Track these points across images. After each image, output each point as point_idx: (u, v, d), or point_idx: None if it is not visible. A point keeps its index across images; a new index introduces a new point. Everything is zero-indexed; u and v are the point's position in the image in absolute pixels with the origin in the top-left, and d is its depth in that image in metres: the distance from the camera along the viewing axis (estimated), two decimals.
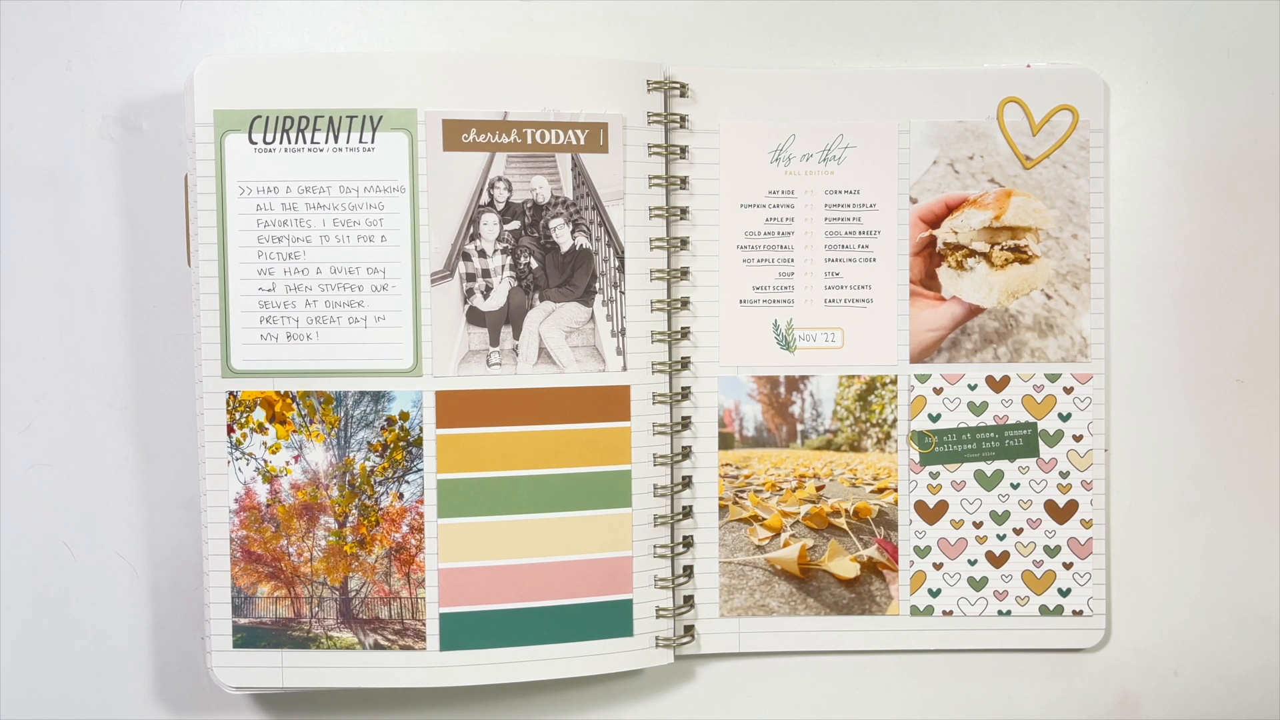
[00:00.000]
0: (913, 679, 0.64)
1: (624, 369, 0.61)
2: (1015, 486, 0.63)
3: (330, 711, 0.63)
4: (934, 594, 0.63)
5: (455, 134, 0.59)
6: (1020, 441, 0.63)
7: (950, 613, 0.63)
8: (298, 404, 0.59)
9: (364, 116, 0.59)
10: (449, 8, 0.62)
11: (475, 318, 0.60)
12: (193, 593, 0.62)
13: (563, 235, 0.60)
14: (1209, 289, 0.64)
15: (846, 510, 0.63)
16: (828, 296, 0.63)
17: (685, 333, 0.62)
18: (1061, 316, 0.63)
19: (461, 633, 0.60)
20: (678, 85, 0.61)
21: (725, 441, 0.63)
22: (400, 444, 0.60)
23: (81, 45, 0.61)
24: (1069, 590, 0.63)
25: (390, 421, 0.60)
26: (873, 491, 0.63)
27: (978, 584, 0.63)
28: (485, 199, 0.60)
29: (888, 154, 0.62)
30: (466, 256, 0.60)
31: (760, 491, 0.63)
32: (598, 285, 0.60)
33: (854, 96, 0.62)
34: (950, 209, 0.62)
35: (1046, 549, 0.63)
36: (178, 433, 0.62)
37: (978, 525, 0.63)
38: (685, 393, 0.62)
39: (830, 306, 0.63)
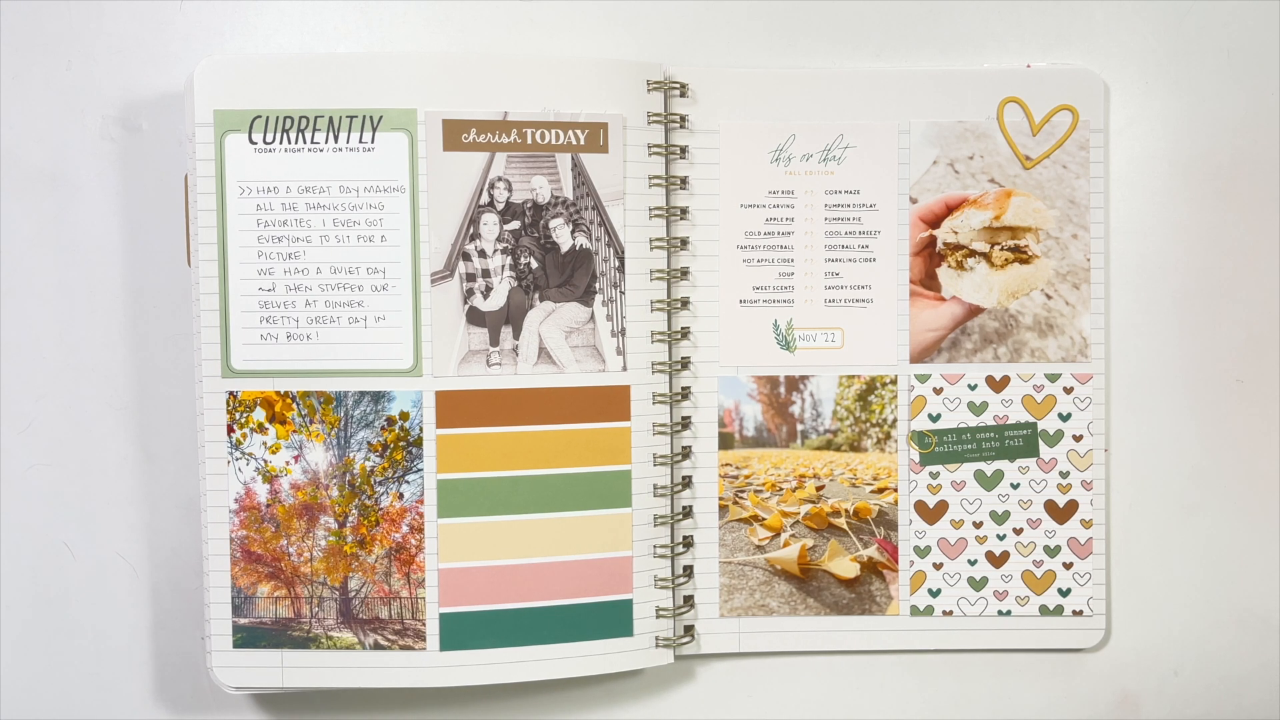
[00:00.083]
0: (913, 679, 0.64)
1: (624, 369, 0.61)
2: (1015, 486, 0.63)
3: (330, 711, 0.63)
4: (934, 594, 0.63)
5: (455, 134, 0.59)
6: (1020, 441, 0.63)
7: (950, 613, 0.63)
8: (298, 404, 0.59)
9: (364, 116, 0.59)
10: (449, 8, 0.62)
11: (475, 318, 0.60)
12: (193, 593, 0.62)
13: (563, 235, 0.60)
14: (1209, 289, 0.64)
15: (846, 510, 0.63)
16: (828, 296, 0.63)
17: (685, 333, 0.62)
18: (1061, 316, 0.63)
19: (461, 633, 0.60)
20: (678, 85, 0.61)
21: (725, 441, 0.63)
22: (400, 444, 0.60)
23: (81, 45, 0.61)
24: (1069, 590, 0.63)
25: (390, 421, 0.60)
26: (873, 491, 0.63)
27: (978, 584, 0.63)
28: (485, 199, 0.60)
29: (888, 154, 0.62)
30: (466, 256, 0.60)
31: (760, 491, 0.63)
32: (598, 285, 0.60)
33: (854, 96, 0.62)
34: (950, 209, 0.62)
35: (1046, 549, 0.63)
36: (178, 433, 0.62)
37: (978, 525, 0.63)
38: (685, 393, 0.62)
39: (830, 306, 0.63)
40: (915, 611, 0.63)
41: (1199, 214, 0.64)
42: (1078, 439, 0.63)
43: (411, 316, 0.59)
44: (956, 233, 0.62)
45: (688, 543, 0.63)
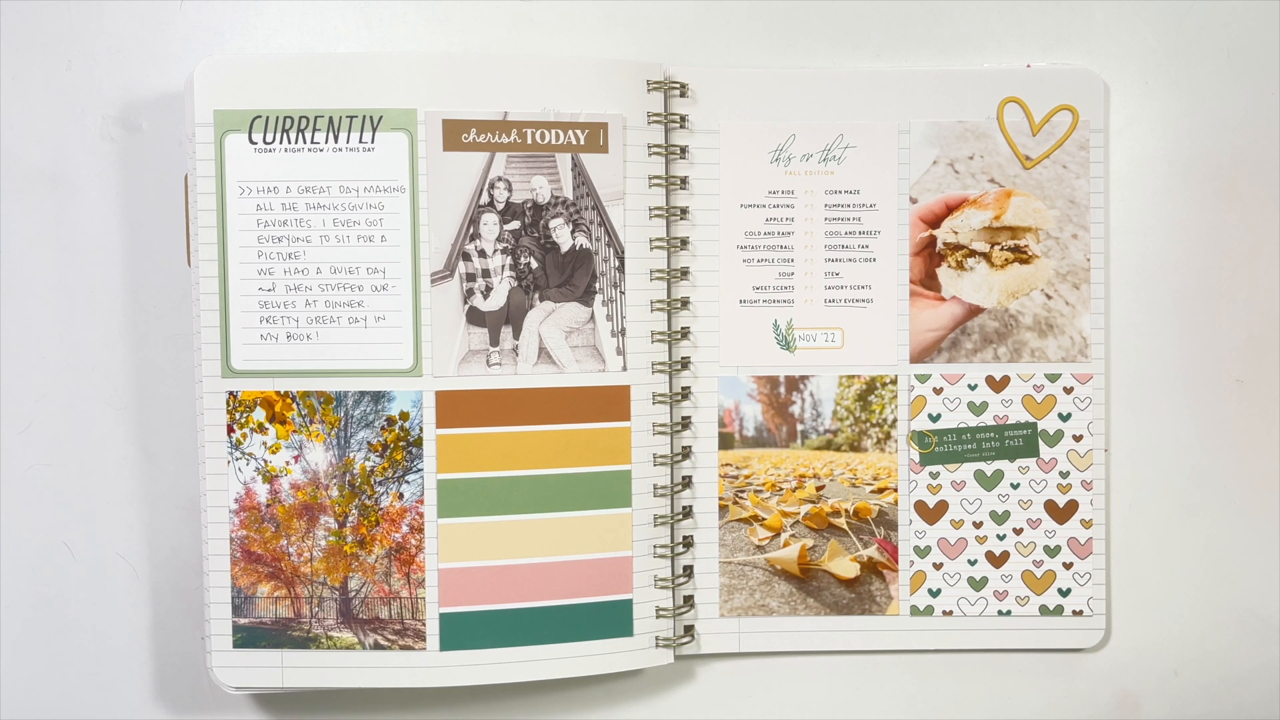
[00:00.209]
0: (913, 679, 0.64)
1: (624, 369, 0.61)
2: (1015, 486, 0.63)
3: (330, 711, 0.63)
4: (934, 594, 0.63)
5: (455, 134, 0.59)
6: (1020, 441, 0.63)
7: (950, 613, 0.63)
8: (298, 404, 0.59)
9: (364, 116, 0.59)
10: (449, 8, 0.62)
11: (475, 318, 0.60)
12: (193, 593, 0.62)
13: (563, 235, 0.60)
14: (1209, 289, 0.64)
15: (846, 510, 0.63)
16: (828, 296, 0.63)
17: (685, 333, 0.62)
18: (1061, 316, 0.63)
19: (461, 633, 0.60)
20: (678, 85, 0.61)
21: (725, 441, 0.63)
22: (400, 444, 0.60)
23: (81, 45, 0.61)
24: (1069, 590, 0.63)
25: (390, 421, 0.60)
26: (873, 491, 0.63)
27: (978, 584, 0.63)
28: (485, 199, 0.60)
29: (888, 154, 0.62)
30: (466, 256, 0.60)
31: (760, 491, 0.63)
32: (598, 285, 0.60)
33: (854, 96, 0.62)
34: (950, 209, 0.62)
35: (1046, 549, 0.63)
36: (178, 433, 0.62)
37: (978, 525, 0.63)
38: (685, 393, 0.62)
39: (830, 306, 0.63)
40: (915, 611, 0.63)
41: (1199, 214, 0.64)
42: (1078, 439, 0.63)
43: (411, 316, 0.59)
44: (956, 233, 0.62)
45: (688, 543, 0.63)
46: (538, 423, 0.60)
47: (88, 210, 0.62)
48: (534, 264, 0.60)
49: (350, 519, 0.60)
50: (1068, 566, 0.63)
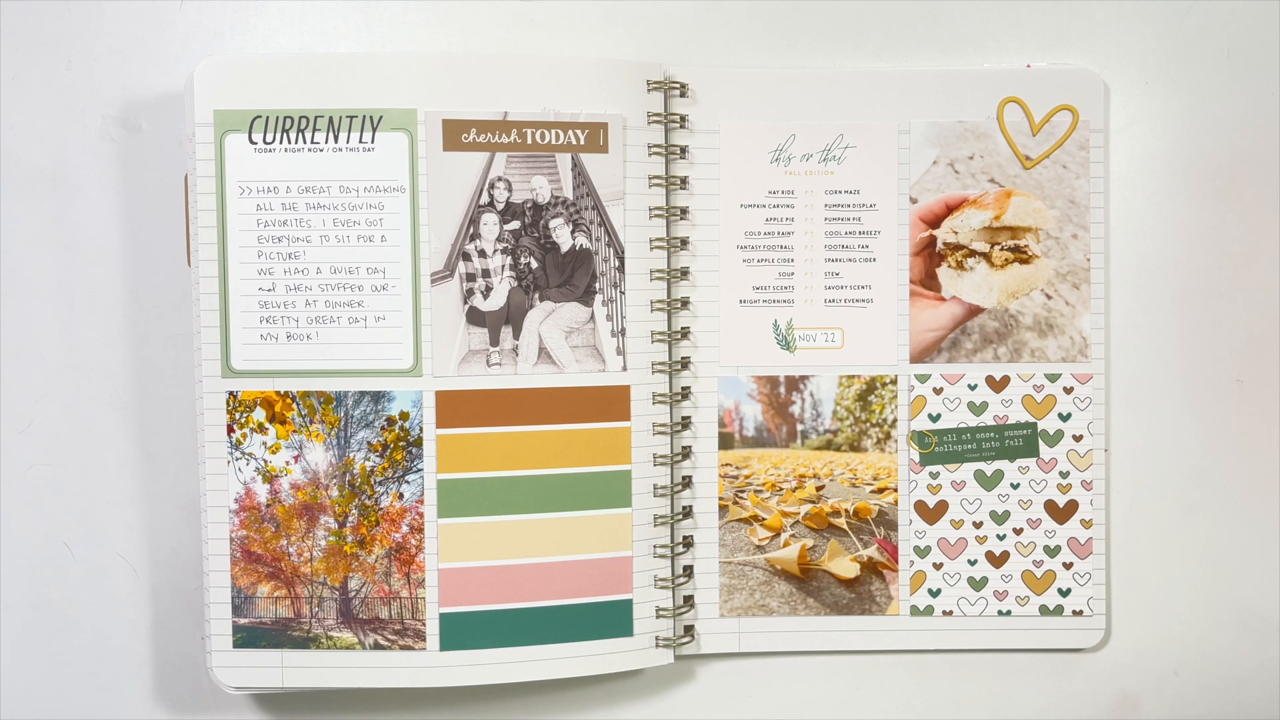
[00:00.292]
0: (913, 679, 0.64)
1: (624, 369, 0.61)
2: (1015, 486, 0.63)
3: (330, 711, 0.63)
4: (934, 594, 0.63)
5: (455, 134, 0.59)
6: (1020, 441, 0.63)
7: (950, 613, 0.63)
8: (298, 404, 0.59)
9: (364, 116, 0.59)
10: (449, 8, 0.62)
11: (475, 318, 0.60)
12: (193, 593, 0.62)
13: (563, 235, 0.60)
14: (1209, 289, 0.64)
15: (846, 510, 0.63)
16: (828, 296, 0.63)
17: (685, 333, 0.62)
18: (1061, 316, 0.63)
19: (461, 633, 0.60)
20: (678, 85, 0.61)
21: (725, 441, 0.63)
22: (400, 444, 0.60)
23: (81, 45, 0.61)
24: (1069, 590, 0.63)
25: (390, 421, 0.60)
26: (873, 491, 0.63)
27: (978, 584, 0.63)
28: (485, 199, 0.60)
29: (888, 154, 0.62)
30: (466, 256, 0.60)
31: (760, 491, 0.63)
32: (598, 285, 0.60)
33: (854, 96, 0.62)
34: (950, 209, 0.62)
35: (1046, 549, 0.63)
36: (178, 433, 0.62)
37: (978, 525, 0.63)
38: (685, 393, 0.62)
39: (830, 306, 0.63)
40: (915, 611, 0.63)
41: (1199, 214, 0.64)
42: (1078, 439, 0.63)
43: (411, 316, 0.59)
44: (956, 233, 0.62)
45: (688, 543, 0.63)
46: (538, 423, 0.60)
47: (88, 210, 0.62)
48: (534, 264, 0.60)
49: (350, 519, 0.60)
50: (1068, 566, 0.63)
